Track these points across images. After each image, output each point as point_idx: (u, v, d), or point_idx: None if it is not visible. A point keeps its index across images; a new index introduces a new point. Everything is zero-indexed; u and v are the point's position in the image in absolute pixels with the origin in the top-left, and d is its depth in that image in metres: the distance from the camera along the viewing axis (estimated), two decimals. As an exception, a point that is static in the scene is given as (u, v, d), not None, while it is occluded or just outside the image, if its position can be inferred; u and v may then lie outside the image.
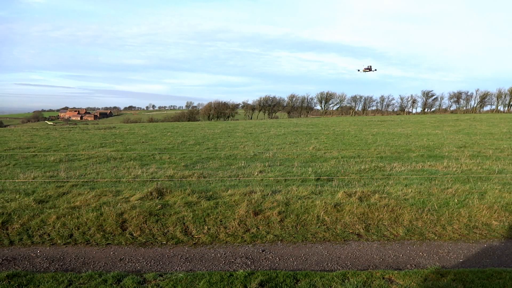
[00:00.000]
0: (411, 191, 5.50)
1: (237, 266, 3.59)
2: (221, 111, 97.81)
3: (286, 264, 3.62)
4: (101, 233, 4.25)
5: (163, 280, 3.13)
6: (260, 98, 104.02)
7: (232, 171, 7.27)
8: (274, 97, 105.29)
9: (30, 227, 4.33)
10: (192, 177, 6.66)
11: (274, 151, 10.35)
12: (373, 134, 16.03)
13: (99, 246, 4.02)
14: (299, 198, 5.08)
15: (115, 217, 4.44)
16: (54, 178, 6.53)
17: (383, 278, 3.16)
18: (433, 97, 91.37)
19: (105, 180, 6.47)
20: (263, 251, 3.90)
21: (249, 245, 4.04)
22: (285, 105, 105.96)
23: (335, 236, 4.24)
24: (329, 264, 3.62)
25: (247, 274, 3.20)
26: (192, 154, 9.77)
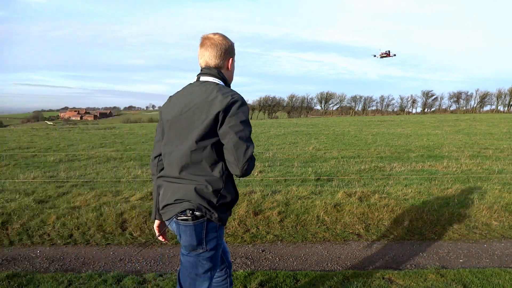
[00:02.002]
0: (411, 191, 5.50)
1: (237, 266, 3.58)
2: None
3: (286, 264, 3.62)
4: (101, 233, 4.25)
5: (163, 280, 3.13)
6: (260, 98, 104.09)
7: (232, 171, 7.27)
8: (274, 97, 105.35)
9: (30, 227, 4.33)
10: (192, 177, 6.66)
11: (274, 151, 10.35)
12: (373, 134, 16.04)
13: (99, 246, 4.02)
14: (299, 198, 5.08)
15: (115, 217, 4.44)
16: (54, 178, 6.53)
17: (383, 278, 3.17)
18: (433, 97, 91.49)
19: (105, 180, 6.47)
20: (263, 251, 3.90)
21: (249, 245, 4.04)
22: (285, 105, 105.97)
23: (335, 236, 4.24)
24: (329, 264, 3.62)
25: (247, 274, 3.20)
26: (192, 154, 9.77)
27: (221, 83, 1.88)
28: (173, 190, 1.82)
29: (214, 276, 2.07)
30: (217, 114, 1.70)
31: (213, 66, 1.90)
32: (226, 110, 1.71)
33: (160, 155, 1.98)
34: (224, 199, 1.81)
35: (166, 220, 1.89)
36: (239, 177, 1.76)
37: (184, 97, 1.87)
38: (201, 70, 1.93)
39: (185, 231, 1.79)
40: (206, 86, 1.83)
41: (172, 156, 1.84)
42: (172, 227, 1.88)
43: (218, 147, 1.77)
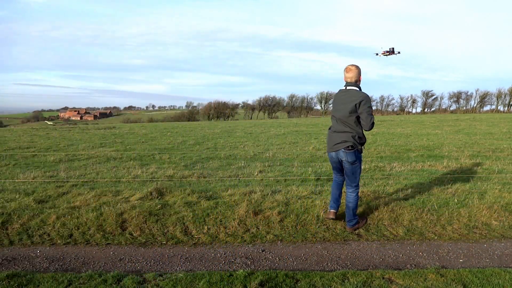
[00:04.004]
0: (411, 191, 5.50)
1: (237, 266, 3.59)
2: (221, 111, 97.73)
3: (286, 264, 3.63)
4: (101, 233, 4.25)
5: (163, 280, 3.13)
6: (260, 98, 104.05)
7: (232, 171, 7.27)
8: (274, 97, 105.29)
9: (30, 227, 4.33)
10: (192, 177, 6.66)
11: (274, 151, 10.35)
12: (373, 134, 16.03)
13: (99, 246, 4.02)
14: (299, 198, 5.08)
15: (115, 217, 4.44)
16: (54, 178, 6.53)
17: (383, 278, 3.17)
18: (433, 97, 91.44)
19: (105, 180, 6.47)
20: (263, 251, 3.90)
21: (249, 245, 4.04)
22: (285, 105, 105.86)
23: (335, 236, 4.24)
24: (329, 264, 3.62)
25: (247, 274, 3.20)
26: (192, 154, 9.77)
27: (358, 89, 4.03)
28: (340, 136, 4.03)
29: (350, 192, 4.26)
30: (358, 103, 3.91)
31: (354, 81, 4.05)
32: (361, 101, 3.91)
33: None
34: (362, 140, 4.06)
35: (334, 152, 4.12)
36: (367, 130, 3.98)
37: (341, 97, 4.08)
38: (347, 83, 4.09)
39: (349, 154, 4.01)
40: (351, 92, 4.02)
41: (338, 121, 4.07)
42: (339, 154, 4.09)
43: (358, 118, 3.99)
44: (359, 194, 4.34)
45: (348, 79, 4.07)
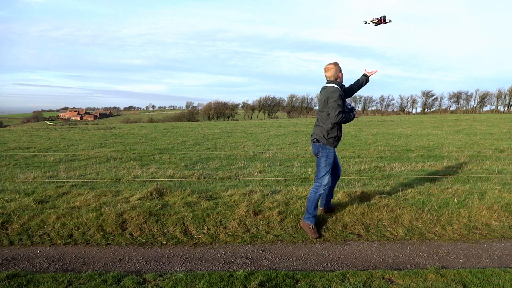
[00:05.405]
0: (411, 191, 5.50)
1: (237, 266, 3.59)
2: (221, 111, 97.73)
3: (286, 264, 3.63)
4: (101, 233, 4.25)
5: (163, 280, 3.13)
6: (260, 98, 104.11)
7: (232, 171, 7.27)
8: (274, 97, 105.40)
9: (30, 227, 4.33)
10: (192, 177, 6.66)
11: (274, 151, 10.35)
12: (373, 134, 16.03)
13: (99, 246, 4.02)
14: (299, 198, 5.08)
15: (115, 217, 4.44)
16: (54, 178, 6.53)
17: (383, 278, 3.17)
18: (433, 97, 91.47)
19: (105, 180, 6.47)
20: (263, 251, 3.90)
21: (249, 245, 4.04)
22: (285, 105, 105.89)
23: (335, 236, 4.24)
24: (329, 264, 3.63)
25: (247, 274, 3.20)
26: (192, 154, 9.77)
27: (335, 85, 4.15)
28: (313, 130, 4.32)
29: (313, 185, 4.33)
30: (326, 98, 4.12)
31: (333, 79, 4.21)
32: (328, 96, 4.09)
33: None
34: (330, 135, 4.17)
35: (312, 142, 4.34)
36: (335, 123, 4.12)
37: (322, 92, 4.26)
38: (327, 80, 4.25)
39: (314, 146, 4.28)
40: (328, 88, 4.19)
41: (317, 117, 4.32)
42: (312, 145, 4.33)
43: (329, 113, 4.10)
44: (319, 193, 4.26)
45: (327, 78, 4.25)
